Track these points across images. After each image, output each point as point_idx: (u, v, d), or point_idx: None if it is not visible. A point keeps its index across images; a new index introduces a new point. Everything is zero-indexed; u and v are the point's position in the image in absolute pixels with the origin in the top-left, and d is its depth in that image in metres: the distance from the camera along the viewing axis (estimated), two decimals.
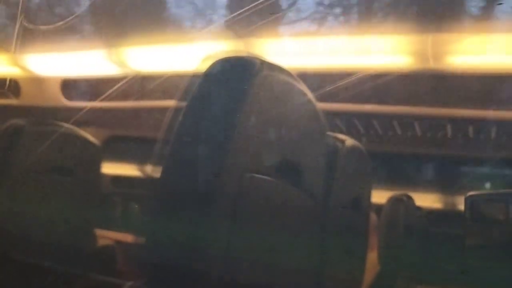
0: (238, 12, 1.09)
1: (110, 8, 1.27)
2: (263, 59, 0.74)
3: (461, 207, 1.23)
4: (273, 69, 0.74)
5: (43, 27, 1.16)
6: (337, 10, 1.29)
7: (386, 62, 1.25)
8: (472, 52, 1.22)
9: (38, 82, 1.56)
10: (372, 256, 1.54)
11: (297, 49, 1.26)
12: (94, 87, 1.35)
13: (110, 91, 1.16)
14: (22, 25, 1.11)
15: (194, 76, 0.73)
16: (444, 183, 1.40)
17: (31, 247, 1.13)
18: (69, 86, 1.54)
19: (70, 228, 1.21)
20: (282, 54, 1.24)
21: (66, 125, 1.25)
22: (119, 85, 1.17)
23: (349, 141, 0.95)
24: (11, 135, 1.22)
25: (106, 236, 1.34)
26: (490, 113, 1.32)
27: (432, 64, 1.21)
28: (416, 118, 1.36)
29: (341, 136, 0.95)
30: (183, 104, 0.71)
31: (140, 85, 1.25)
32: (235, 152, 0.67)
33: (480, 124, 1.37)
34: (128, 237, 1.25)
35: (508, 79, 1.27)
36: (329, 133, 0.90)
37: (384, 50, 1.21)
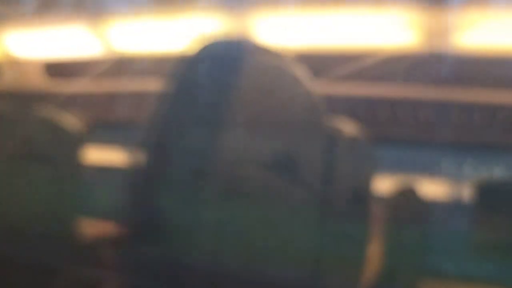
0: None
1: None
2: (256, 42, 0.72)
3: (469, 196, 1.22)
4: (267, 54, 0.71)
5: (16, 12, 1.14)
6: None
7: (390, 42, 1.22)
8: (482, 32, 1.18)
9: (18, 64, 1.53)
10: (375, 248, 1.52)
11: (298, 27, 1.22)
12: (77, 69, 1.31)
13: (93, 74, 1.13)
14: None
15: (183, 59, 0.70)
16: (452, 170, 1.38)
17: (11, 237, 1.10)
18: (50, 68, 1.51)
19: (51, 218, 1.18)
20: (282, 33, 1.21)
21: (47, 109, 1.22)
22: (104, 67, 1.13)
23: (351, 129, 0.92)
24: None
25: (89, 226, 1.32)
26: (498, 98, 1.30)
27: (438, 46, 1.19)
28: (421, 102, 1.34)
29: (342, 123, 0.91)
30: (171, 89, 0.68)
31: (125, 67, 1.22)
32: (225, 144, 0.64)
33: (487, 109, 1.35)
34: (112, 227, 1.23)
35: None
36: (328, 120, 0.86)
37: (389, 27, 1.19)
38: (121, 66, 1.21)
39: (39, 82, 1.50)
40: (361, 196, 0.97)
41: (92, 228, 1.31)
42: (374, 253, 1.44)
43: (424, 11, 1.15)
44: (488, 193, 1.21)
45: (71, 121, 1.30)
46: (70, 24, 1.33)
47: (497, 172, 1.29)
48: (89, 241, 1.30)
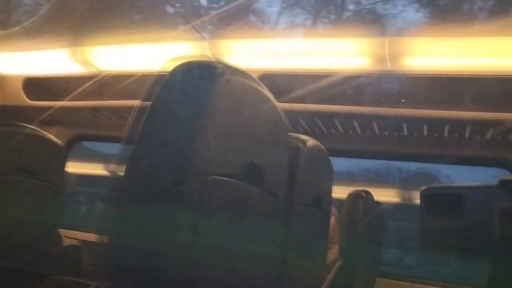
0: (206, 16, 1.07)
1: (71, 9, 1.22)
2: (225, 63, 0.72)
3: (417, 201, 1.24)
4: (235, 74, 0.72)
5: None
6: (304, 15, 1.28)
7: (346, 64, 1.24)
8: (427, 54, 1.23)
9: (1, 81, 1.48)
10: (334, 250, 1.55)
11: (262, 52, 1.24)
12: (56, 86, 1.29)
13: (76, 92, 1.11)
14: None
15: (157, 78, 0.70)
16: (401, 179, 1.41)
17: None
18: (31, 85, 1.48)
19: (34, 229, 1.16)
20: (248, 56, 1.22)
21: (28, 125, 1.20)
22: (86, 85, 1.12)
23: (311, 141, 0.94)
24: None
25: (71, 236, 1.30)
26: (445, 113, 1.34)
27: (388, 66, 1.22)
28: (374, 118, 1.36)
29: (303, 137, 0.94)
30: (146, 105, 0.68)
31: (105, 84, 1.21)
32: (198, 155, 0.65)
33: (434, 122, 1.38)
34: (93, 237, 1.21)
35: (464, 80, 1.29)
36: (291, 134, 0.89)
37: (344, 52, 1.21)
38: (102, 85, 1.20)
39: (20, 98, 1.46)
40: (320, 202, 0.99)
41: (74, 237, 1.28)
42: (333, 253, 1.46)
43: (372, 40, 1.19)
44: (432, 199, 1.25)
45: (52, 136, 1.28)
46: (53, 44, 1.31)
47: (440, 180, 1.34)
48: (71, 250, 1.27)
